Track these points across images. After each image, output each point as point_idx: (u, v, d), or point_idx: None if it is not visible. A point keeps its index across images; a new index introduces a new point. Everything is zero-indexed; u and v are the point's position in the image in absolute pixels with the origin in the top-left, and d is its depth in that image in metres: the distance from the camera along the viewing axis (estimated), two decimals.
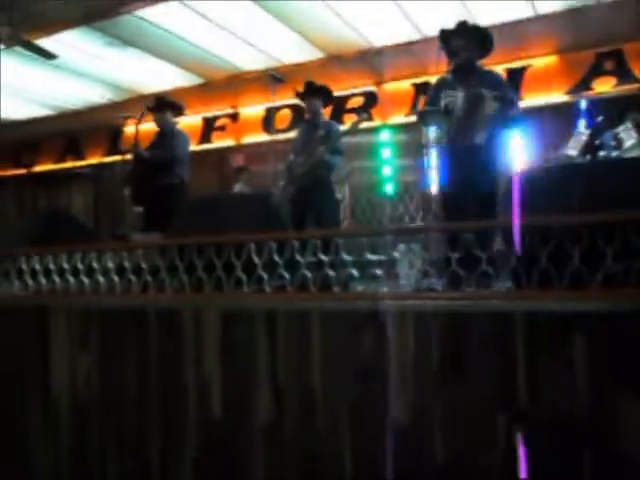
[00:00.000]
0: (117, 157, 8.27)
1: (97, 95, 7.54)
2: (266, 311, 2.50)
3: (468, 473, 2.09)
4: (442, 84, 3.57)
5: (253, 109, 7.79)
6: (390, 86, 7.11)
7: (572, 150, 4.60)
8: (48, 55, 5.66)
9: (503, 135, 3.49)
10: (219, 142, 8.06)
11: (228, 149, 8.08)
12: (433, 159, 3.73)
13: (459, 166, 3.37)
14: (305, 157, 4.52)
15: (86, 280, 2.96)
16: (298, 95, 4.76)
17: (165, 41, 6.10)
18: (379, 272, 2.74)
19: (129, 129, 6.31)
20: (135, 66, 6.72)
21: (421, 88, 6.81)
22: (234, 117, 8.00)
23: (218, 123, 8.07)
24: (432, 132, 3.65)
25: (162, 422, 2.64)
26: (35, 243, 3.17)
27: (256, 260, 2.58)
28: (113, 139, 8.55)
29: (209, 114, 8.01)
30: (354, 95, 7.26)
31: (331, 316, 2.38)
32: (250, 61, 6.68)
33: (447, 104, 3.34)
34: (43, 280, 3.05)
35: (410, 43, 6.21)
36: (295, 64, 6.58)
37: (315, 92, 4.69)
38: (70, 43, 5.90)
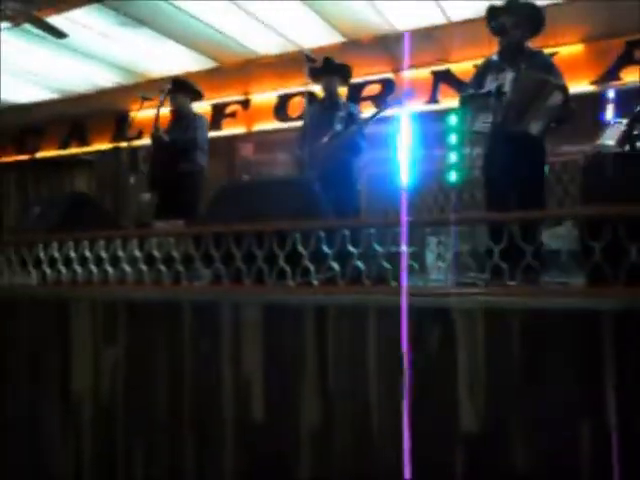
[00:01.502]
0: (122, 143, 8.02)
1: (104, 78, 7.26)
2: (314, 306, 2.28)
3: None
4: (488, 66, 3.35)
5: (265, 95, 7.53)
6: (408, 73, 6.86)
7: (609, 140, 4.42)
8: (58, 34, 5.35)
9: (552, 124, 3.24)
10: (229, 129, 7.80)
11: (238, 137, 7.83)
12: (475, 147, 3.51)
13: (507, 154, 3.15)
14: (326, 139, 4.11)
15: (111, 270, 2.74)
16: (313, 73, 4.22)
17: (180, 21, 5.82)
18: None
19: (136, 114, 6.04)
20: (146, 48, 6.44)
21: (441, 76, 6.61)
22: (245, 104, 7.73)
23: (228, 110, 7.81)
24: (475, 117, 3.41)
25: (197, 427, 2.42)
26: (55, 229, 2.93)
27: (302, 250, 2.37)
28: (119, 124, 8.27)
29: (219, 100, 7.74)
30: (370, 82, 7.02)
31: (388, 312, 2.16)
32: (266, 44, 6.41)
33: (499, 86, 3.10)
34: (63, 269, 2.82)
35: (432, 28, 5.97)
36: (312, 49, 6.31)
37: (334, 70, 4.28)
38: (81, 21, 5.62)
